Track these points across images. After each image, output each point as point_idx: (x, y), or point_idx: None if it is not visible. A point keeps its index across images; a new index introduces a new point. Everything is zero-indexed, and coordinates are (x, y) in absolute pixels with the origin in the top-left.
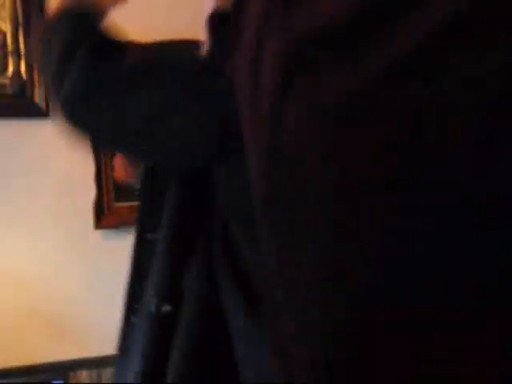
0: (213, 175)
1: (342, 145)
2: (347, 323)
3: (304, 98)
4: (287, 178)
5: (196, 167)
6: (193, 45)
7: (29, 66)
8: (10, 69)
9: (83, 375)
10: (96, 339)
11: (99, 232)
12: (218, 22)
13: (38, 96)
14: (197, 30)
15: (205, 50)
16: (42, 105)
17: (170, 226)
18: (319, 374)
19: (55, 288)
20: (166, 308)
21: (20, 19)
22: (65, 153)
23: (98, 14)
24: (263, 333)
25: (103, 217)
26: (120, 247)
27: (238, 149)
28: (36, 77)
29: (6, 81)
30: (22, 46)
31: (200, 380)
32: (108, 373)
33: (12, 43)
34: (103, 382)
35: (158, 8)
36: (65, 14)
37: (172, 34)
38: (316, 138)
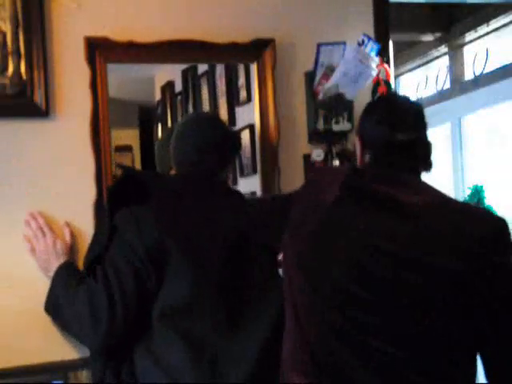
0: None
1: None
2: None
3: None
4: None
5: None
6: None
7: (29, 66)
8: (10, 69)
9: (83, 375)
10: None
11: None
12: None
13: (38, 96)
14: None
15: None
16: (42, 105)
17: None
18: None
19: None
20: None
21: (20, 19)
22: (65, 153)
23: None
24: None
25: None
26: None
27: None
28: (36, 77)
29: (6, 81)
30: (21, 46)
31: None
32: None
33: (12, 43)
34: None
35: (159, 8)
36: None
37: (171, 34)
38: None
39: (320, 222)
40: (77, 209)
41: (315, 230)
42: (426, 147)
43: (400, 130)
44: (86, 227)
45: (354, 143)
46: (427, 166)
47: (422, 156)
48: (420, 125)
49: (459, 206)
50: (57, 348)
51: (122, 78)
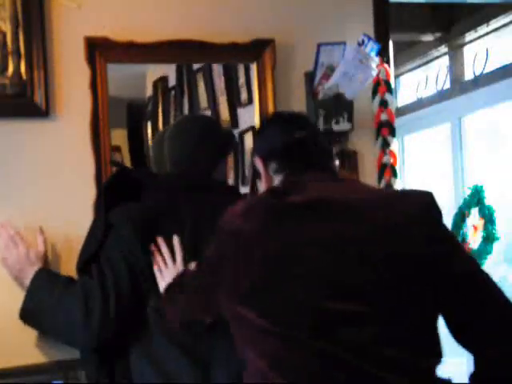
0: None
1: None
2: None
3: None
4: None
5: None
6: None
7: (29, 66)
8: (10, 69)
9: (83, 375)
10: None
11: None
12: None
13: (38, 96)
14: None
15: None
16: (42, 105)
17: None
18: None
19: None
20: None
21: (20, 19)
22: (65, 153)
23: None
24: None
25: None
26: None
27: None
28: (36, 77)
29: (6, 81)
30: (21, 46)
31: None
32: None
33: (12, 43)
34: None
35: (160, 7)
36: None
37: (169, 34)
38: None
39: (263, 257)
40: (77, 209)
41: (262, 264)
42: (324, 141)
43: (295, 128)
44: (86, 227)
45: (254, 169)
46: (333, 160)
47: (326, 151)
48: (311, 121)
49: (389, 194)
50: (57, 348)
51: (111, 74)
